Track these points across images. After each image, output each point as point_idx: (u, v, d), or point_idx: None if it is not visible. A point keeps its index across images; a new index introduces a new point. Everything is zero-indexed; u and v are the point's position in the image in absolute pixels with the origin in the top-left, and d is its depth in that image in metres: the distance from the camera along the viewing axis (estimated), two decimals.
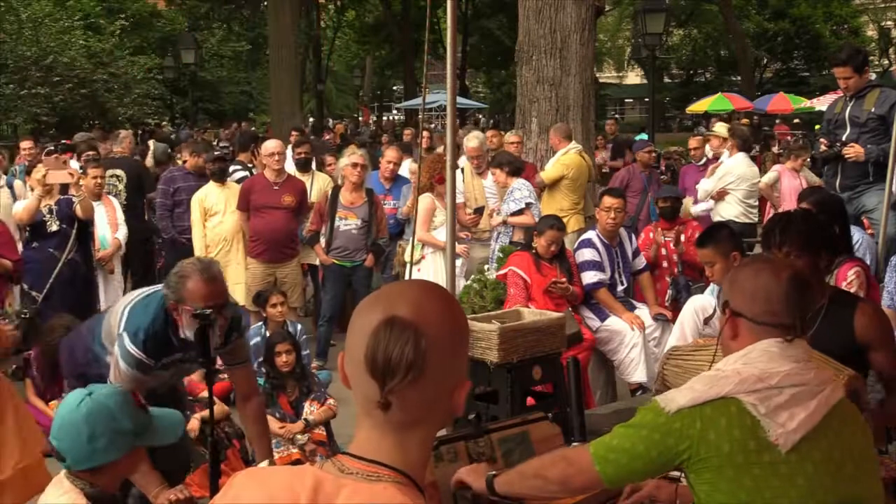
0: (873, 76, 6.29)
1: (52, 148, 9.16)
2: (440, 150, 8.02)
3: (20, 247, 6.85)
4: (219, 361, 6.39)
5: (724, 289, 2.28)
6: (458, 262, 6.68)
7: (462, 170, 7.97)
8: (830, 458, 2.01)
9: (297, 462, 4.96)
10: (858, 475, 2.06)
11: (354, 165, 7.16)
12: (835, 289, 3.39)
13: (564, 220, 7.63)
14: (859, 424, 2.15)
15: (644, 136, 17.46)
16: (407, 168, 8.86)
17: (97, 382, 3.69)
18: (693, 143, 10.54)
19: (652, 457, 2.07)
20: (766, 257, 2.45)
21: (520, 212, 7.11)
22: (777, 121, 24.29)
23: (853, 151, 5.90)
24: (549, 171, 8.02)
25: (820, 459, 2.00)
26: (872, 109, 5.93)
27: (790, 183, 9.00)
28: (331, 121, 31.80)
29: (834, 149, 6.01)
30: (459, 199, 7.52)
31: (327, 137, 17.50)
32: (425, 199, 6.86)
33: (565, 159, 7.96)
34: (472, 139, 7.78)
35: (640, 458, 2.07)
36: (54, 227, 6.67)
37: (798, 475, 1.98)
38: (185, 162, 8.68)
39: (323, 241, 7.25)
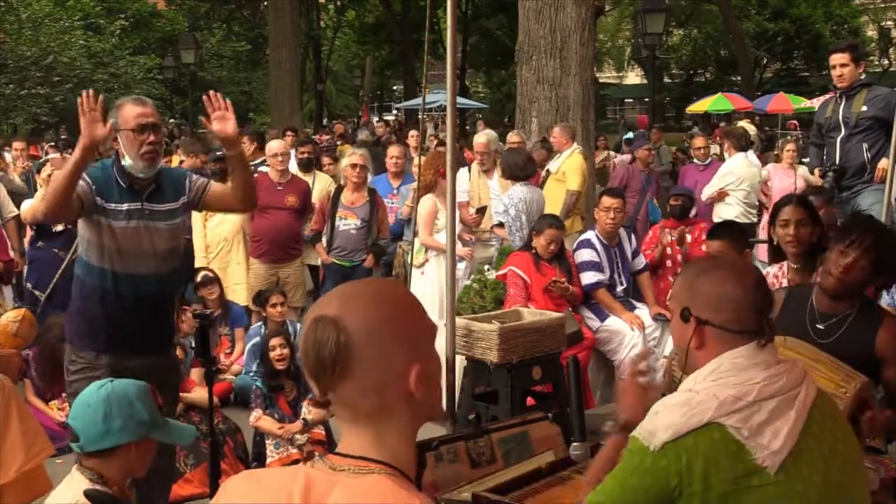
0: (863, 77, 6.25)
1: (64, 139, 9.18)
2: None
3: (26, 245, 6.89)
4: (220, 361, 6.51)
5: (679, 296, 2.18)
6: (462, 265, 6.65)
7: (469, 168, 7.97)
8: (817, 471, 1.98)
9: (296, 462, 4.97)
10: (846, 481, 2.03)
11: (354, 166, 7.16)
12: (865, 299, 3.29)
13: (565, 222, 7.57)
14: (839, 422, 2.11)
15: (631, 135, 17.55)
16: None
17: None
18: (698, 142, 10.42)
19: (650, 499, 2.03)
20: (722, 261, 2.36)
21: (499, 224, 7.04)
22: (723, 123, 23.92)
23: (881, 173, 5.77)
24: (574, 179, 7.70)
25: (808, 474, 1.96)
26: (863, 109, 5.90)
27: (781, 183, 8.96)
28: (334, 122, 31.71)
29: (828, 181, 5.99)
30: (464, 198, 7.52)
31: (326, 138, 17.50)
32: (427, 202, 6.72)
33: (576, 162, 7.86)
34: (480, 136, 7.73)
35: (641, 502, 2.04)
36: (59, 227, 6.68)
37: (789, 495, 1.94)
38: (181, 162, 8.68)
39: (324, 240, 7.25)
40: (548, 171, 8.08)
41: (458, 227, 7.10)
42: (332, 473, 1.39)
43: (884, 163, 5.79)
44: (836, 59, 6.03)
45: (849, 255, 3.10)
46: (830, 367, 2.74)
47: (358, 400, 1.41)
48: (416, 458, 1.47)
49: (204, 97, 3.79)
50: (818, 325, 3.18)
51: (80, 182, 3.57)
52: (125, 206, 3.64)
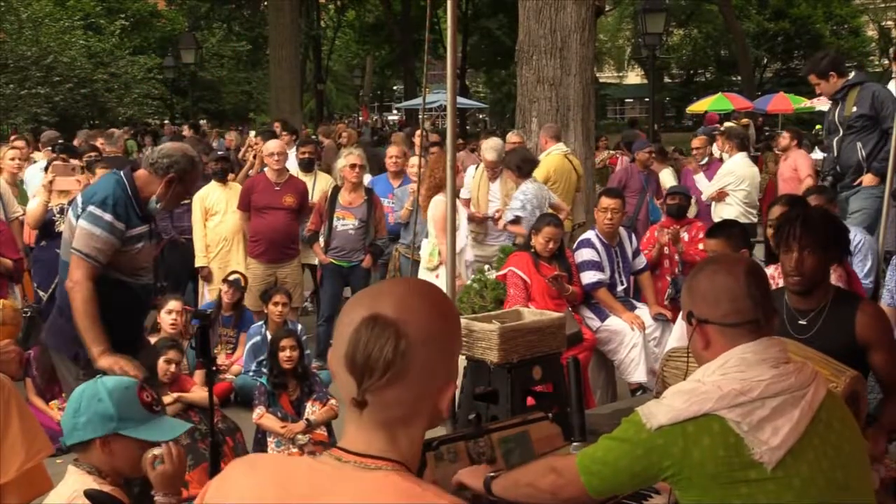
0: (851, 76, 6.31)
1: (61, 145, 9.14)
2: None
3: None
4: (220, 361, 6.50)
5: (683, 298, 2.23)
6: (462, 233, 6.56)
7: (476, 167, 7.97)
8: (819, 470, 1.99)
9: None
10: (849, 482, 2.03)
11: (353, 166, 7.15)
12: (837, 288, 3.38)
13: None
14: (847, 423, 2.12)
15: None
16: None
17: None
18: (696, 142, 10.43)
19: (635, 471, 2.06)
20: (715, 257, 2.39)
21: (515, 220, 6.98)
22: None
23: (869, 181, 5.97)
24: (539, 171, 7.71)
25: (808, 473, 1.97)
26: (854, 109, 6.04)
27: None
28: (333, 121, 31.59)
29: (827, 181, 6.15)
30: (465, 195, 7.52)
31: (327, 141, 17.47)
32: (441, 205, 6.44)
33: (548, 161, 7.84)
34: (489, 151, 7.53)
35: (624, 472, 2.07)
36: (62, 228, 6.67)
37: (786, 492, 1.95)
38: None
39: (322, 240, 7.25)
40: None
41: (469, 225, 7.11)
42: (338, 465, 1.36)
43: (868, 178, 5.91)
44: (811, 80, 6.33)
45: (792, 251, 3.17)
46: (819, 363, 2.75)
47: (392, 407, 1.35)
48: (418, 458, 1.44)
49: None
50: (800, 322, 3.23)
51: (116, 231, 3.80)
52: (141, 230, 3.94)
